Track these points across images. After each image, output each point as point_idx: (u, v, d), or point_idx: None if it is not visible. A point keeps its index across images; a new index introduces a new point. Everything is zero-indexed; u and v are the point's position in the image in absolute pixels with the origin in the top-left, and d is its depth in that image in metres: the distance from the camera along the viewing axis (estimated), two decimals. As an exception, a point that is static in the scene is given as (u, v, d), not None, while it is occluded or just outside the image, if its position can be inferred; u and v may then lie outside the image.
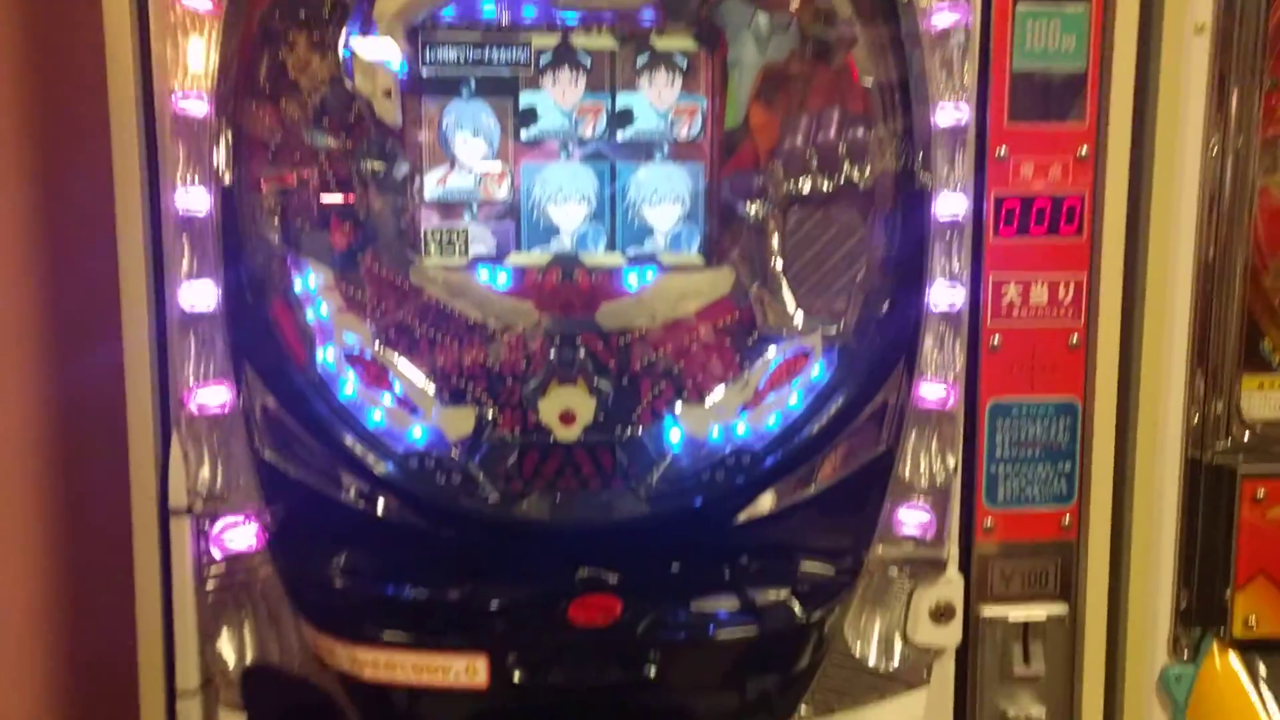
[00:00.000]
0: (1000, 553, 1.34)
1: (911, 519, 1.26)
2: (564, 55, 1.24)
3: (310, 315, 1.21)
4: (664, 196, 1.28)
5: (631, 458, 1.24)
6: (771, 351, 1.26)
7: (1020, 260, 1.27)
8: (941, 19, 1.18)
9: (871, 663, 1.28)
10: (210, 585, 1.18)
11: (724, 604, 1.19)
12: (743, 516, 1.22)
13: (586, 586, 1.27)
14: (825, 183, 1.24)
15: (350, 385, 1.22)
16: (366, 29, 1.18)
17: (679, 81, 1.26)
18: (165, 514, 1.17)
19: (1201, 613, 1.31)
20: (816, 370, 1.26)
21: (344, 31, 1.16)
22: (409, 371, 1.24)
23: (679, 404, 1.25)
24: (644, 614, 1.17)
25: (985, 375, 1.27)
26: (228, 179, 1.14)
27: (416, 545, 1.20)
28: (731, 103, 1.24)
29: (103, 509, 1.33)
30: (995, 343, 1.26)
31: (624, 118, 1.26)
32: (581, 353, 1.24)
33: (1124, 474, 1.34)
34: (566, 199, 1.27)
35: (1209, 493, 1.27)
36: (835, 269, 1.26)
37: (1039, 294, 1.27)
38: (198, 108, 1.12)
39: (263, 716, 1.21)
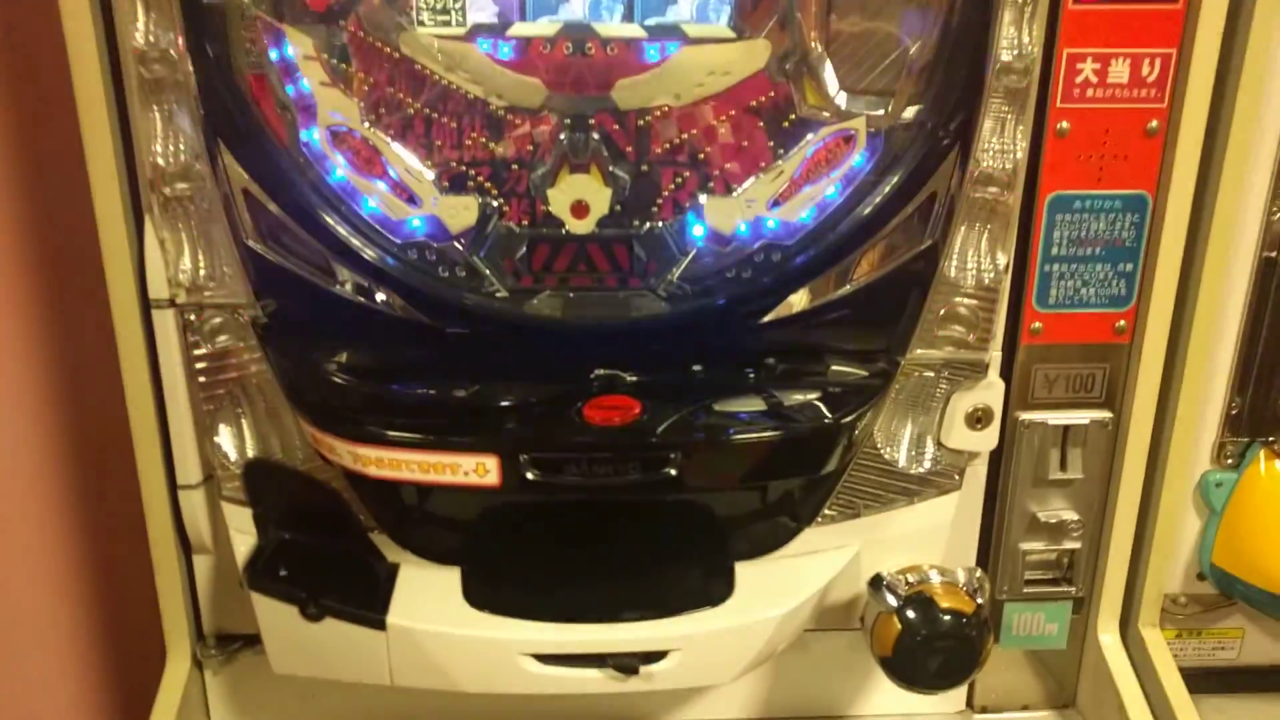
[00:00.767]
0: (1045, 357, 1.30)
1: (955, 319, 1.21)
2: None
3: (290, 89, 1.10)
4: None
5: (650, 253, 1.16)
6: (809, 136, 1.13)
7: (1101, 31, 1.13)
8: None
9: (901, 465, 1.26)
10: (203, 380, 1.10)
11: (748, 405, 1.11)
12: (771, 317, 1.16)
13: (603, 387, 1.21)
14: None
15: (340, 169, 1.13)
16: None
17: None
18: (147, 306, 1.08)
19: (1252, 422, 1.27)
20: (859, 157, 1.14)
21: None
22: (404, 155, 1.13)
23: (703, 195, 1.15)
24: (664, 415, 1.10)
25: (1048, 165, 1.18)
26: None
27: (420, 342, 1.15)
28: None
29: (85, 305, 1.26)
30: (1062, 127, 1.16)
31: None
32: (595, 136, 1.12)
33: (1189, 276, 1.22)
34: None
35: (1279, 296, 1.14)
36: (885, 41, 1.11)
37: (1119, 70, 1.15)
38: None
39: (268, 509, 1.16)
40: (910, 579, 1.31)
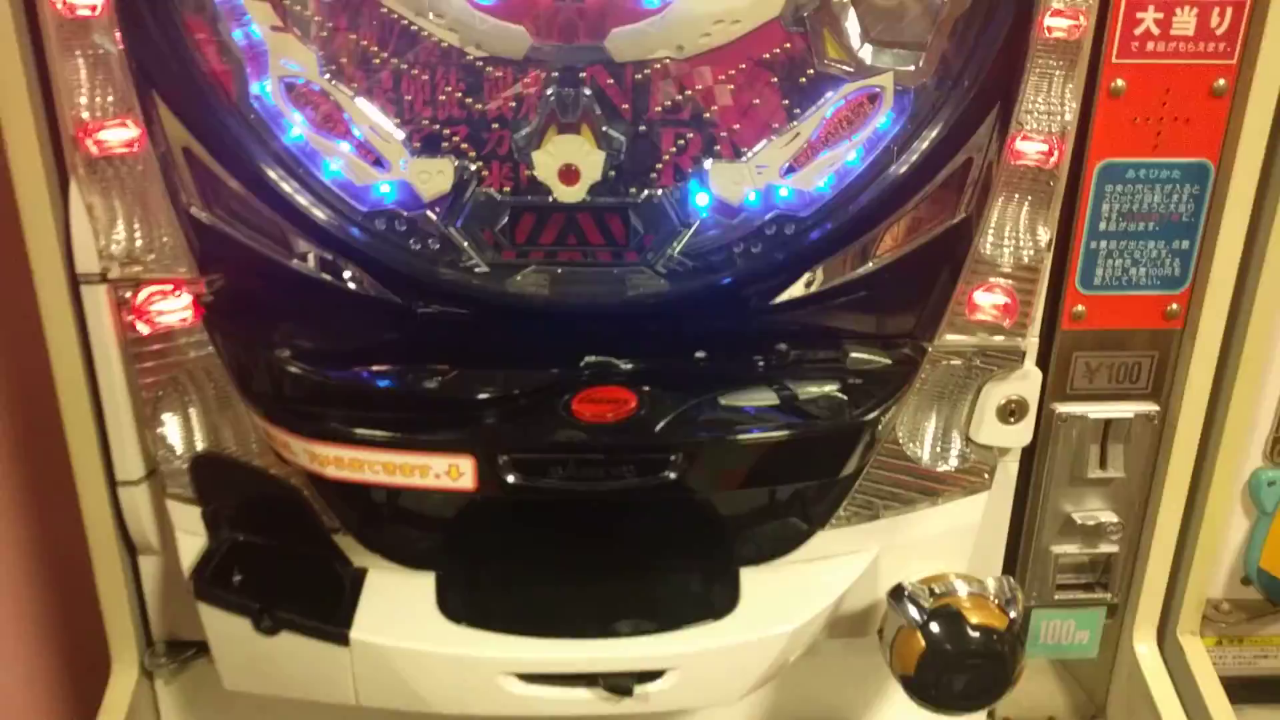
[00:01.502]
0: (1087, 343, 1.21)
1: (988, 302, 1.10)
2: None
3: (238, 34, 0.99)
4: None
5: (649, 224, 1.05)
6: (828, 94, 1.03)
7: None
8: None
9: (925, 462, 1.17)
10: (142, 364, 0.96)
11: (758, 399, 0.98)
12: (784, 297, 1.06)
13: (594, 376, 1.07)
14: None
15: (296, 127, 1.03)
16: None
17: None
18: (75, 281, 0.94)
19: (1313, 417, 1.14)
20: (884, 118, 1.04)
21: None
22: (369, 112, 1.03)
23: (709, 159, 1.05)
24: (663, 410, 0.96)
25: (1100, 128, 1.09)
26: None
27: (387, 324, 1.06)
28: None
29: (7, 281, 1.12)
30: (1117, 86, 1.07)
31: None
32: (587, 91, 1.01)
33: (1251, 255, 1.08)
34: None
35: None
36: None
37: (1184, 21, 1.05)
38: None
39: (218, 508, 1.03)
40: (935, 589, 1.18)
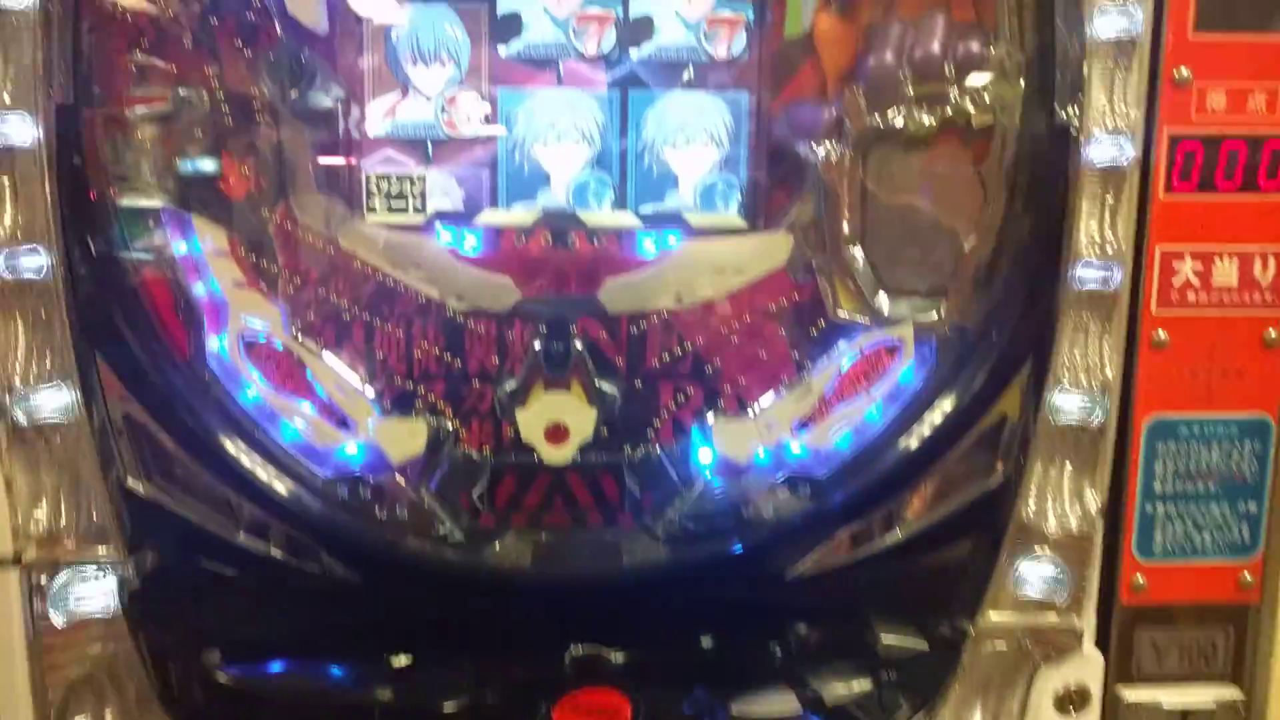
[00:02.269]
0: (1153, 619, 1.07)
1: (1036, 575, 0.99)
2: None
3: (199, 290, 0.96)
4: (693, 135, 1.01)
5: (645, 484, 0.99)
6: (843, 346, 0.99)
7: (1201, 225, 0.98)
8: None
9: None
10: (51, 659, 0.93)
11: (777, 705, 0.82)
12: (801, 569, 0.95)
13: (581, 673, 0.93)
14: (923, 116, 0.95)
15: (254, 387, 0.97)
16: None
17: None
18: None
19: None
20: (905, 371, 0.99)
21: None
22: (337, 369, 0.98)
23: (712, 415, 0.99)
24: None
25: (1144, 382, 1.00)
26: (67, 95, 0.87)
27: (343, 606, 0.96)
28: (792, 6, 0.97)
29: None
30: (1160, 338, 1.00)
31: (640, 29, 1.00)
32: (578, 344, 0.97)
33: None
34: (560, 138, 1.01)
35: None
36: (935, 234, 0.98)
37: (1225, 271, 0.99)
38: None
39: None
40: None
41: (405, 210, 1.01)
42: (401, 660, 0.95)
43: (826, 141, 0.97)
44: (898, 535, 0.96)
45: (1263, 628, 1.09)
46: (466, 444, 0.98)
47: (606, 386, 0.97)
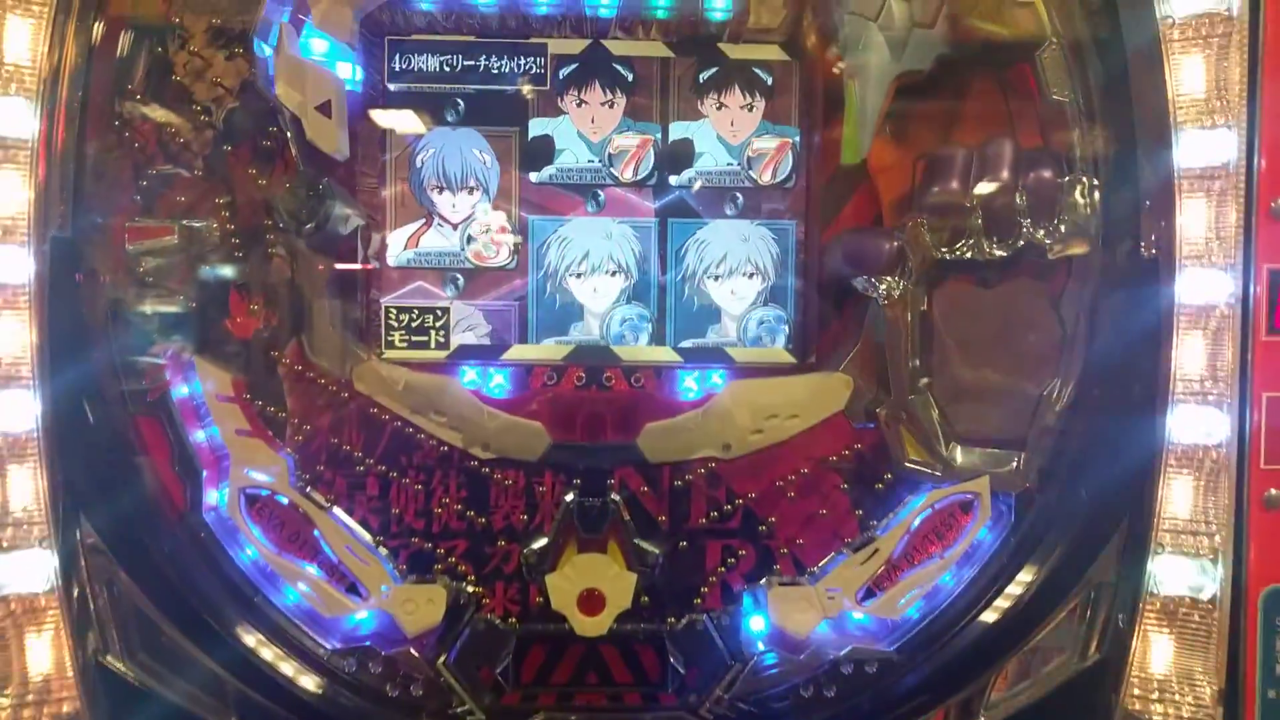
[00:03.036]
0: None
1: None
2: (595, 65, 0.96)
3: (198, 438, 0.88)
4: (737, 266, 0.97)
5: (690, 658, 0.90)
6: (912, 502, 0.91)
7: None
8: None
9: None
10: None
11: None
12: None
13: None
14: (994, 248, 0.89)
15: (255, 546, 0.90)
16: (299, 17, 0.88)
17: (761, 105, 0.97)
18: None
19: None
20: (982, 530, 0.91)
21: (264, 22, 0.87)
22: (347, 527, 0.91)
23: (766, 579, 0.92)
24: None
25: (1258, 547, 0.89)
26: (64, 227, 0.83)
27: None
28: (849, 131, 0.91)
29: None
30: (1273, 496, 0.89)
31: (680, 153, 0.97)
32: (615, 499, 0.90)
33: None
34: (595, 269, 0.97)
35: None
36: (1011, 376, 0.91)
37: None
38: (18, 117, 0.81)
39: None
40: None
41: (427, 345, 0.96)
42: None
43: (888, 276, 0.90)
44: (980, 721, 0.86)
45: None
46: (490, 610, 0.91)
47: (647, 547, 0.90)
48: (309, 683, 0.86)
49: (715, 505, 0.92)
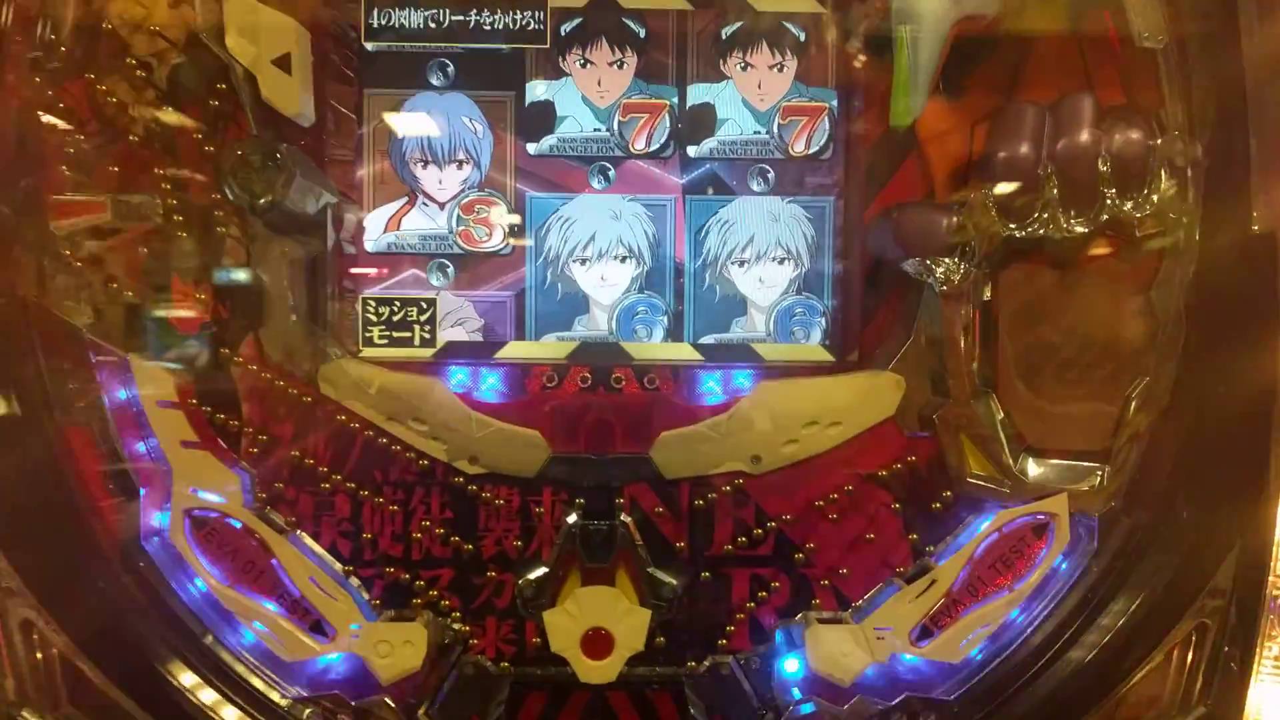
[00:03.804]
0: None
1: None
2: (602, 20, 0.90)
3: (136, 452, 0.80)
4: (766, 251, 0.91)
5: (715, 705, 0.84)
6: (976, 524, 0.83)
7: None
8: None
9: None
10: None
11: None
12: None
13: None
14: (1073, 223, 0.80)
15: (203, 577, 0.81)
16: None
17: (792, 65, 0.90)
18: None
19: None
20: (1058, 557, 0.82)
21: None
22: (310, 555, 0.82)
23: (803, 615, 0.84)
24: None
25: None
26: None
27: None
28: (899, 89, 0.83)
29: None
30: None
31: (700, 122, 0.90)
32: (625, 520, 0.83)
33: None
34: (602, 254, 0.90)
35: None
36: (1093, 375, 0.83)
37: None
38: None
39: None
40: None
41: (410, 342, 0.89)
42: None
43: (944, 258, 0.81)
44: (1057, 784, 0.80)
45: None
46: (479, 650, 0.84)
47: (663, 578, 0.82)
48: (270, 733, 0.77)
49: (743, 528, 0.84)
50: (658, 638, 0.82)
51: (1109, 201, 0.78)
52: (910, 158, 0.87)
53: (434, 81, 0.89)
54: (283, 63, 0.77)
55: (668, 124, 0.89)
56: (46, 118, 0.77)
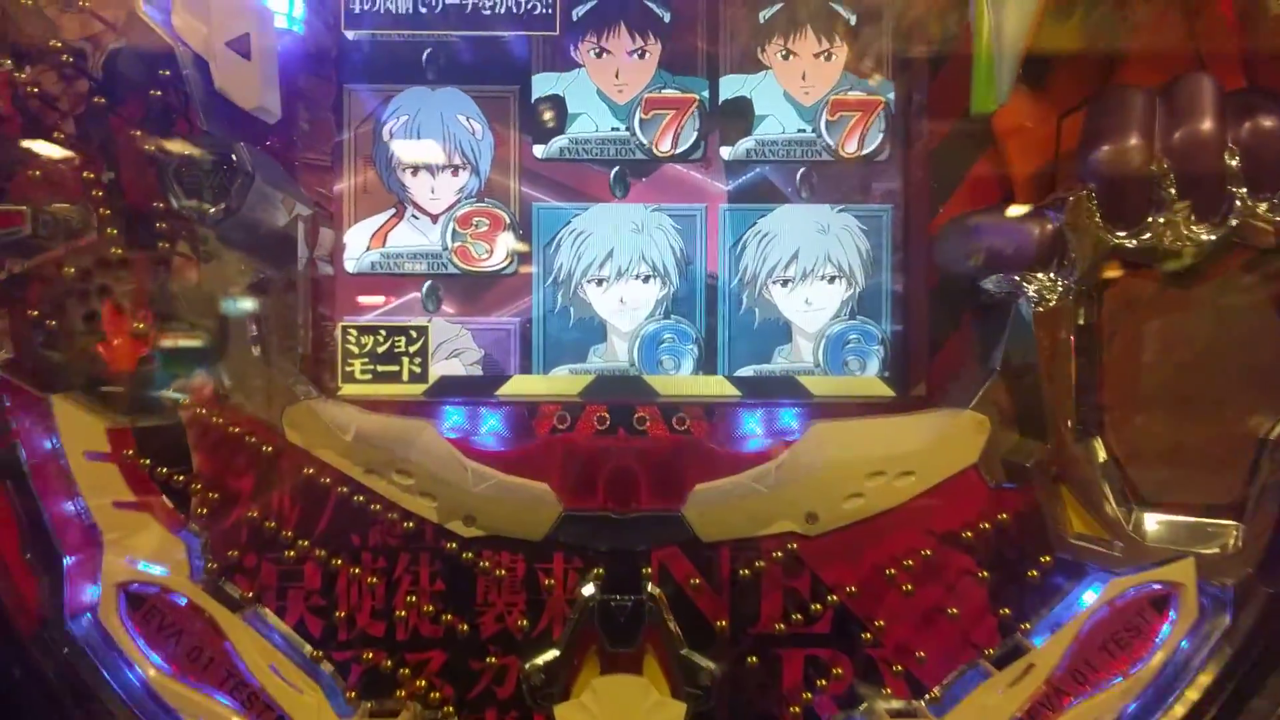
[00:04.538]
0: None
1: None
2: (619, 3, 0.81)
3: (64, 514, 0.69)
4: (814, 268, 0.81)
5: None
6: (1080, 595, 0.70)
7: None
8: None
9: None
10: None
11: None
12: None
13: None
14: (1190, 228, 0.68)
15: (140, 666, 0.69)
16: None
17: (842, 52, 0.80)
18: None
19: None
20: (1184, 637, 0.70)
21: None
22: (274, 635, 0.70)
23: (869, 706, 0.71)
24: None
25: None
26: None
27: None
28: (981, 69, 0.71)
29: None
30: None
31: (735, 117, 0.81)
32: (652, 592, 0.71)
33: None
34: (622, 273, 0.81)
35: None
36: (1223, 412, 0.70)
37: None
38: None
39: None
40: None
41: (398, 377, 0.79)
42: None
43: (1034, 276, 0.69)
44: None
45: None
46: None
47: (700, 662, 0.70)
48: None
49: (796, 601, 0.72)
50: (694, 734, 0.65)
51: (1239, 203, 0.65)
52: (984, 157, 0.75)
53: (426, 75, 0.79)
54: (240, 46, 0.65)
55: (697, 122, 0.78)
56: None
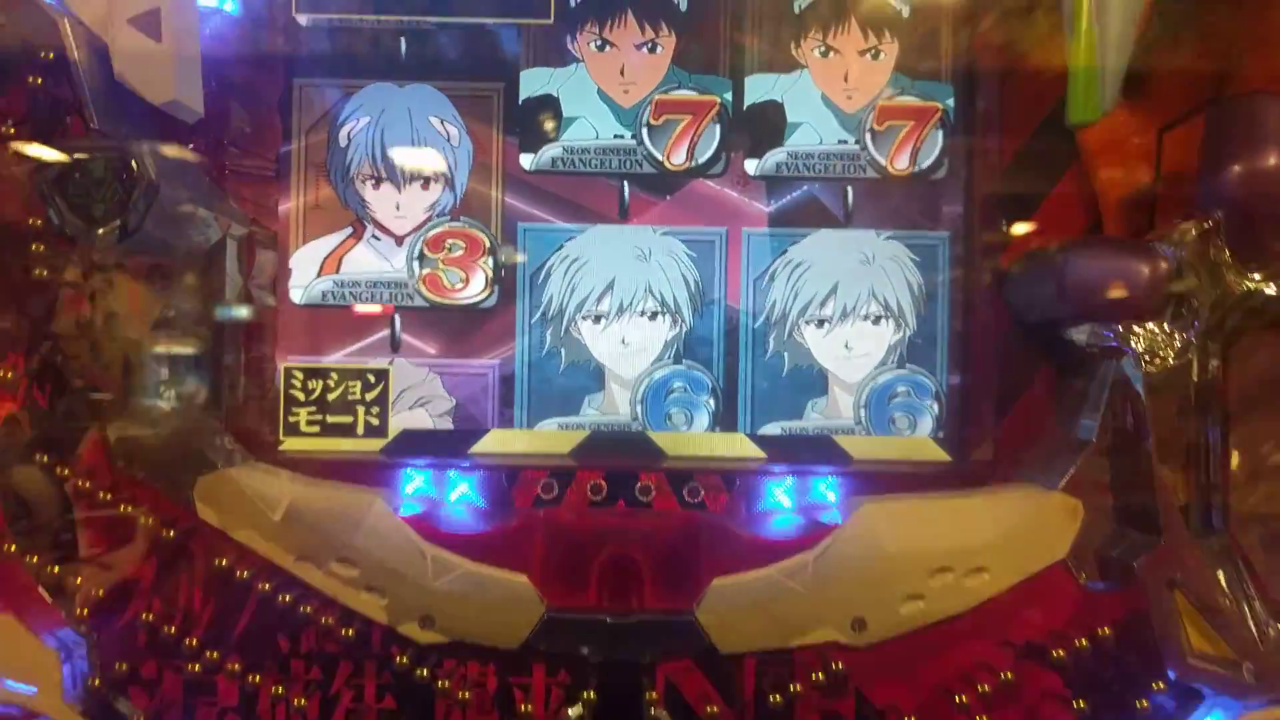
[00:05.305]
0: None
1: None
2: None
3: None
4: (856, 306, 0.70)
5: None
6: None
7: None
8: None
9: None
10: None
11: None
12: None
13: None
14: None
15: None
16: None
17: (892, 50, 0.69)
18: None
19: None
20: None
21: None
22: None
23: None
24: None
25: None
26: None
27: None
28: (1081, 72, 0.60)
29: None
30: None
31: (764, 125, 0.69)
32: (657, 716, 0.58)
33: None
34: (624, 308, 0.70)
35: None
36: None
37: None
38: None
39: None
40: None
41: (353, 431, 0.68)
42: None
43: (1147, 323, 0.57)
44: None
45: None
46: None
47: None
48: None
49: None
50: None
51: None
52: (1065, 177, 0.64)
53: (392, 68, 0.68)
54: (147, 24, 0.52)
55: (718, 130, 0.68)
56: None
